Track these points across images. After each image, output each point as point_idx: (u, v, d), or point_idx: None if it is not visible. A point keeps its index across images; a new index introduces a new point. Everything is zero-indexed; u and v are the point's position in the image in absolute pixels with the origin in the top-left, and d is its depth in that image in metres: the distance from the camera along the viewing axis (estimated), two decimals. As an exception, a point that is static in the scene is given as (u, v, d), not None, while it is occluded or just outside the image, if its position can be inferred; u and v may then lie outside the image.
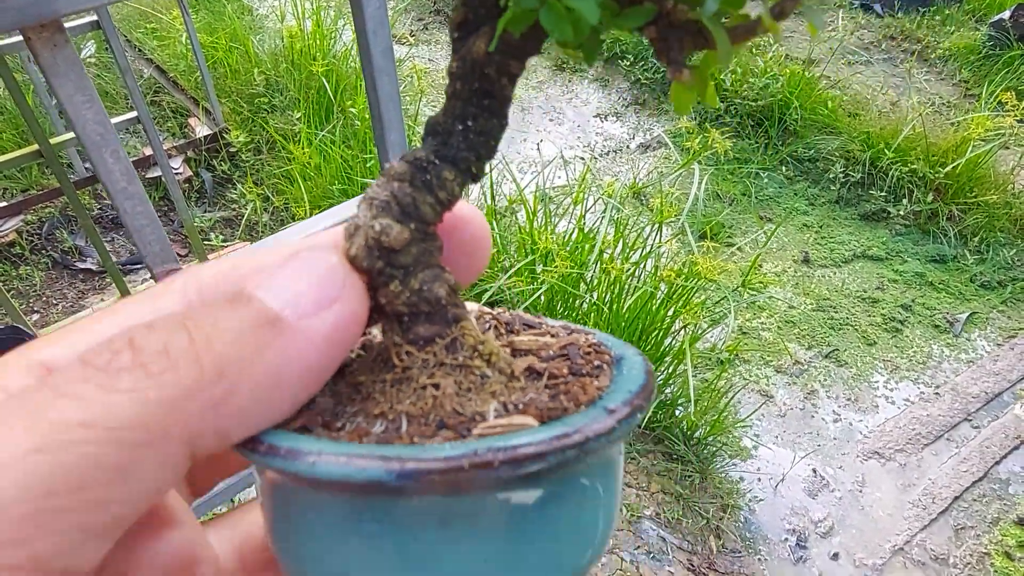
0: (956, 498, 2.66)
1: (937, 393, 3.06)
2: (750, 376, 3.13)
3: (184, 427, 0.20)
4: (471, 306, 0.30)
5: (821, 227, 3.91)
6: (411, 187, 0.26)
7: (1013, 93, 3.64)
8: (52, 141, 2.32)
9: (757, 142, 4.41)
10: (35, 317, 2.90)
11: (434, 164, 0.26)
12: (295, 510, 0.24)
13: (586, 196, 2.78)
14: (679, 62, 0.23)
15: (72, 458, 0.18)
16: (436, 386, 0.24)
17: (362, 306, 0.24)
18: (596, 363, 0.27)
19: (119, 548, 0.24)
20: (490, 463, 0.20)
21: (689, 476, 2.57)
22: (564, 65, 5.56)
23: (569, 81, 5.41)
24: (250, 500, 0.32)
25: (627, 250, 2.57)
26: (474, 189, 3.51)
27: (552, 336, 0.29)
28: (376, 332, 0.28)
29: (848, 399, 3.05)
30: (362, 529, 0.23)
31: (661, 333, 2.55)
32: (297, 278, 0.23)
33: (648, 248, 2.53)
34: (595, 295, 2.62)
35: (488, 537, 0.23)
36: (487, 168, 0.27)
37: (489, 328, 0.30)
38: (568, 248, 2.69)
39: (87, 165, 3.53)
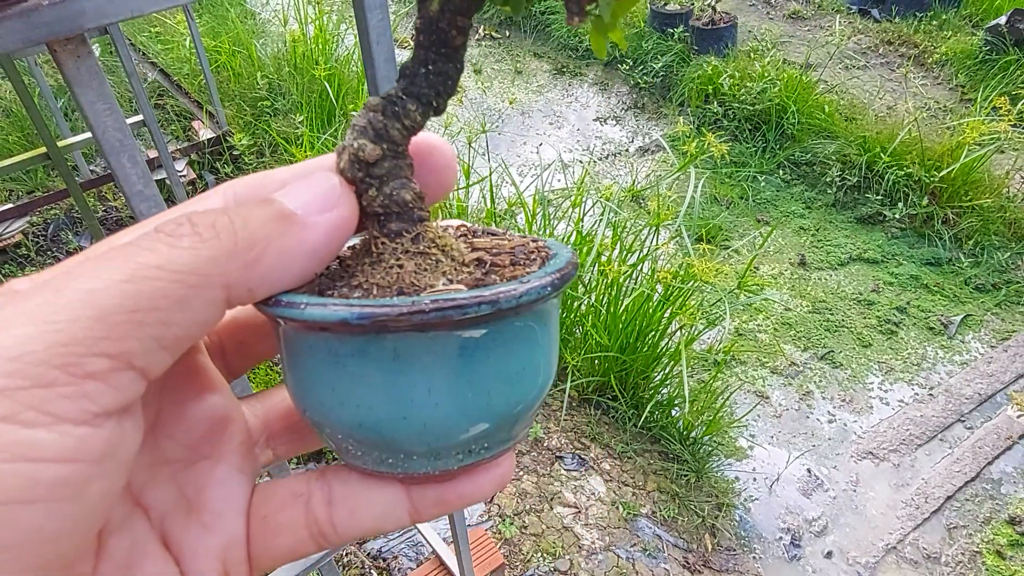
0: (949, 498, 2.69)
1: (931, 394, 3.09)
2: (746, 377, 3.17)
3: (224, 277, 0.27)
4: (453, 221, 0.39)
5: (817, 230, 3.95)
6: (383, 116, 0.33)
7: (1007, 98, 3.68)
8: (59, 144, 2.37)
9: (755, 146, 4.45)
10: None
11: (401, 99, 0.33)
12: (297, 352, 0.32)
13: (584, 199, 2.82)
14: (574, 11, 0.29)
15: (149, 288, 0.25)
16: (401, 266, 0.32)
17: (352, 213, 0.32)
18: (533, 258, 0.34)
19: (170, 404, 0.33)
20: (423, 310, 0.28)
21: (685, 475, 2.61)
22: (564, 69, 5.60)
23: (569, 85, 5.46)
24: (274, 386, 0.41)
25: (624, 252, 2.61)
26: (474, 191, 3.55)
27: (508, 241, 0.36)
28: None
29: (843, 400, 3.09)
30: (339, 361, 0.30)
31: (658, 335, 2.59)
32: (308, 190, 0.31)
33: (645, 251, 2.57)
34: (593, 296, 2.66)
35: (429, 370, 0.30)
36: (447, 103, 0.35)
37: (460, 236, 0.37)
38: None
39: (92, 168, 3.57)
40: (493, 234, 0.37)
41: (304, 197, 0.31)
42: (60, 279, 0.25)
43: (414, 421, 0.30)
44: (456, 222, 0.39)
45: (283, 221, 0.30)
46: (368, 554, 2.03)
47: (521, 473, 2.40)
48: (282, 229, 0.30)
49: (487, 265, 0.33)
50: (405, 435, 0.31)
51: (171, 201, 3.55)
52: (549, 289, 0.30)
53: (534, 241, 0.36)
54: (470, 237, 0.37)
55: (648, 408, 2.61)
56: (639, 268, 2.60)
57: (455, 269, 0.33)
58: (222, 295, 0.28)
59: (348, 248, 0.36)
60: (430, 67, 0.33)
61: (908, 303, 3.50)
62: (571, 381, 2.64)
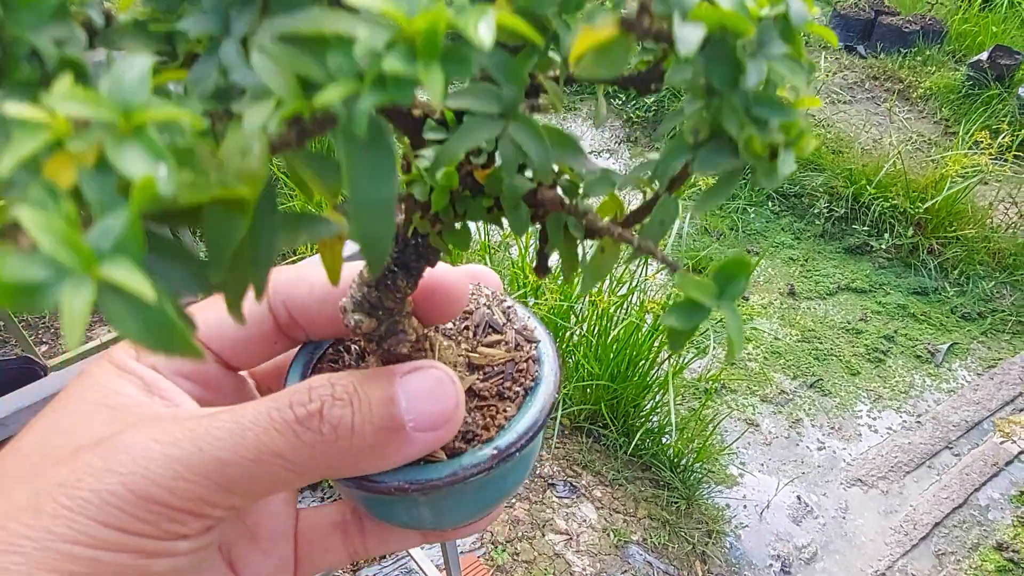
0: (937, 524, 2.73)
1: (919, 422, 3.14)
2: (736, 405, 3.22)
3: (327, 471, 0.32)
4: (488, 281, 0.45)
5: (806, 260, 4.03)
6: (376, 291, 0.36)
7: (988, 132, 3.79)
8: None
9: (744, 178, 4.54)
10: (44, 348, 3.00)
11: (393, 271, 0.35)
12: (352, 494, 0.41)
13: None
14: (540, 273, 0.36)
15: (265, 471, 0.30)
16: None
17: (457, 427, 0.35)
18: (517, 389, 0.40)
19: None
20: (405, 489, 0.36)
21: (675, 502, 2.65)
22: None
23: (563, 119, 5.58)
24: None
25: (614, 283, 2.68)
26: (472, 225, 3.63)
27: (506, 345, 0.42)
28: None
29: (832, 428, 3.13)
30: (385, 507, 0.41)
31: (648, 363, 2.64)
32: (428, 397, 0.33)
33: (635, 281, 2.64)
34: (584, 326, 2.73)
35: (421, 512, 0.40)
36: (437, 260, 0.37)
37: (475, 318, 0.44)
38: (558, 282, 2.80)
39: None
40: (494, 329, 0.43)
41: (423, 408, 0.32)
42: (196, 434, 0.30)
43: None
44: (491, 286, 0.45)
45: (394, 433, 0.32)
46: (362, 581, 2.07)
47: (514, 500, 2.44)
48: (388, 439, 0.32)
49: (476, 398, 0.40)
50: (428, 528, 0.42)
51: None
52: (518, 453, 0.37)
53: (529, 347, 0.42)
54: (473, 335, 0.43)
55: (638, 436, 2.66)
56: (629, 299, 2.66)
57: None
58: (306, 481, 0.32)
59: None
60: (420, 239, 0.35)
61: (896, 332, 3.57)
62: (563, 409, 2.69)
